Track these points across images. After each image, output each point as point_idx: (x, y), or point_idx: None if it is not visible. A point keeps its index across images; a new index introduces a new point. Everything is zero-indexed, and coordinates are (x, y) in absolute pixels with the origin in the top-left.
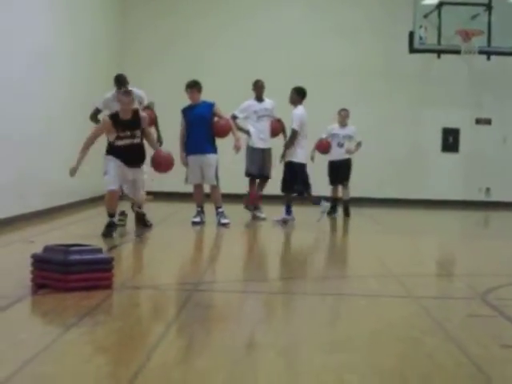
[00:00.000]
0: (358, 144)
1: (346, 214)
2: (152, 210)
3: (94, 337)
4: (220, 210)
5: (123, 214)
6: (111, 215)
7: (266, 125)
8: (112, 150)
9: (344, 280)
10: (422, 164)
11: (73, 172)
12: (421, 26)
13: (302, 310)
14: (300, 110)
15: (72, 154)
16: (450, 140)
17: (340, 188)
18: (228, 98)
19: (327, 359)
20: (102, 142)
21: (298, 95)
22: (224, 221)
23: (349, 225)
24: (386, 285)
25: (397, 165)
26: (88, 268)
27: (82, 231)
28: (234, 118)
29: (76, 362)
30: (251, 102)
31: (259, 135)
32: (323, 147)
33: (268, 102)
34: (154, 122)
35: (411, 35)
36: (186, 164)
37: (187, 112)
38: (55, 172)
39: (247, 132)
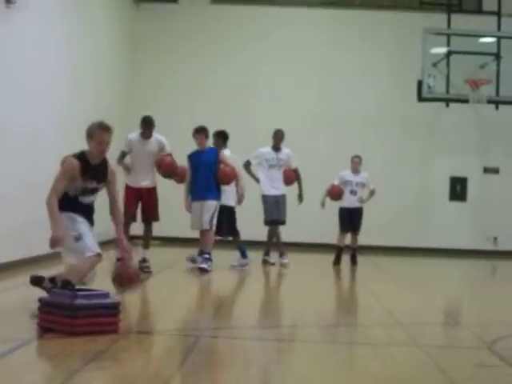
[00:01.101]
0: (372, 192)
1: (353, 262)
2: (158, 255)
3: (100, 382)
4: (206, 256)
5: (145, 260)
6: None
7: (276, 173)
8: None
9: (350, 328)
10: (429, 212)
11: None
12: (429, 75)
13: (307, 357)
14: (227, 152)
15: None
16: (458, 188)
17: (348, 235)
18: (240, 136)
19: None
20: None
21: (220, 139)
22: (203, 266)
23: (354, 273)
24: (392, 333)
25: (404, 212)
26: (95, 312)
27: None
28: (248, 163)
29: None
30: (266, 150)
31: (270, 183)
32: (336, 193)
33: (284, 153)
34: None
35: (420, 84)
36: (189, 210)
37: (193, 157)
38: None
39: (257, 180)
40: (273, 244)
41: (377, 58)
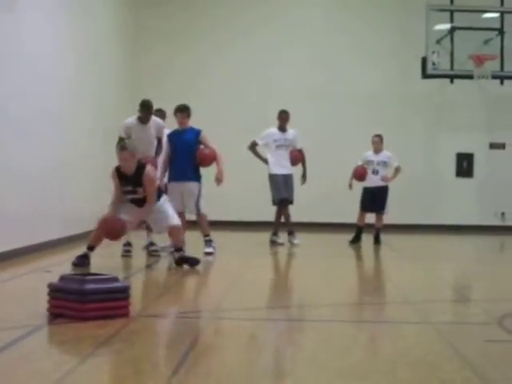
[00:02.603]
0: (397, 169)
1: (377, 241)
2: (166, 239)
3: (111, 366)
4: (207, 238)
5: (129, 244)
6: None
7: (283, 153)
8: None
9: (362, 306)
10: (436, 189)
11: None
12: (433, 52)
13: (320, 336)
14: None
15: (92, 182)
16: (465, 165)
17: (368, 216)
18: (243, 119)
19: None
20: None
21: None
22: (208, 250)
23: (364, 251)
24: (403, 311)
25: (411, 190)
26: (104, 297)
27: (98, 261)
28: (255, 144)
29: None
30: (273, 131)
31: (278, 162)
32: (360, 174)
33: (290, 133)
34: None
35: (424, 61)
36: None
37: (173, 137)
38: (72, 201)
39: (265, 160)
40: (281, 224)
41: (381, 35)
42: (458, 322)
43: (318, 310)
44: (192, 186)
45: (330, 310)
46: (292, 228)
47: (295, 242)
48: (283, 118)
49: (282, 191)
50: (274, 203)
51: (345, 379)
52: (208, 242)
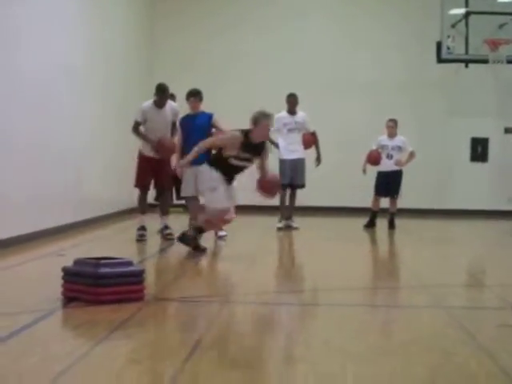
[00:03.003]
0: (411, 154)
1: (391, 226)
2: (182, 222)
3: (126, 350)
4: None
5: (143, 228)
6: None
7: (296, 137)
8: (219, 165)
9: (375, 291)
10: (450, 174)
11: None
12: (448, 36)
13: (333, 321)
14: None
15: (107, 165)
16: (479, 150)
17: (384, 200)
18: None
19: (359, 370)
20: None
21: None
22: (221, 233)
23: (379, 235)
24: (417, 295)
25: (425, 175)
26: (119, 281)
27: (113, 244)
28: None
29: (108, 375)
30: (282, 115)
31: (288, 147)
32: (374, 159)
33: (300, 116)
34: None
35: (439, 45)
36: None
37: (186, 121)
38: (86, 185)
39: (276, 145)
40: (286, 207)
41: (395, 20)
42: (472, 306)
43: (332, 294)
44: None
45: (343, 294)
46: (291, 212)
47: (294, 225)
48: (291, 101)
49: (286, 177)
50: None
51: (358, 363)
52: None
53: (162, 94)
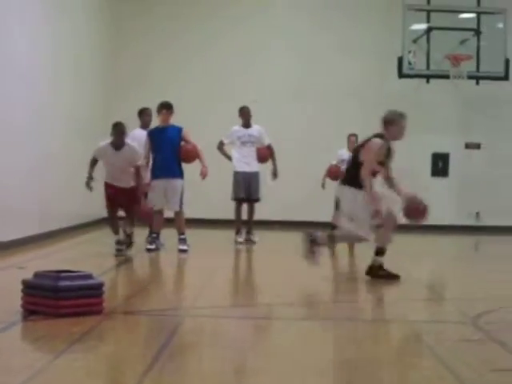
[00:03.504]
0: None
1: None
2: (141, 236)
3: (86, 363)
4: (182, 236)
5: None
6: None
7: (249, 150)
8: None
9: (336, 305)
10: (412, 189)
11: None
12: (410, 51)
13: (292, 334)
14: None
15: (71, 176)
16: (440, 164)
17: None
18: (224, 115)
19: (318, 383)
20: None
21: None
22: (183, 247)
23: (340, 250)
24: (377, 309)
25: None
26: (79, 294)
27: (74, 255)
28: (222, 143)
29: None
30: (236, 128)
31: (242, 159)
32: (333, 173)
33: (255, 129)
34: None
35: (400, 60)
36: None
37: (155, 134)
38: (48, 197)
39: (229, 158)
40: (242, 222)
41: (358, 34)
42: (433, 320)
43: (294, 308)
44: (177, 182)
45: (305, 308)
46: (251, 226)
47: (254, 239)
48: (244, 113)
49: (240, 190)
50: (232, 199)
51: (319, 376)
52: (183, 240)
53: (118, 132)
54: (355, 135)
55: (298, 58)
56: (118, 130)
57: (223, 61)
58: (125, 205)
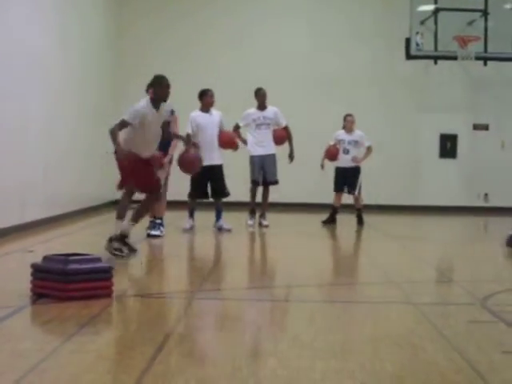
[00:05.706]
0: (368, 149)
1: (360, 222)
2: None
3: (95, 346)
4: (157, 220)
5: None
6: None
7: (265, 133)
8: None
9: (344, 287)
10: (419, 170)
11: None
12: (417, 33)
13: (302, 317)
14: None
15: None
16: (448, 146)
17: (345, 196)
18: (226, 97)
19: (327, 366)
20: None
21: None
22: (153, 232)
23: (347, 232)
24: (386, 292)
25: (394, 171)
26: (87, 277)
27: (83, 240)
28: (237, 127)
29: (77, 371)
30: (251, 111)
31: (258, 143)
32: (331, 154)
33: (270, 111)
34: None
35: (408, 42)
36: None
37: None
38: (57, 180)
39: (245, 141)
40: (256, 204)
41: (365, 16)
42: (441, 302)
43: (302, 290)
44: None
45: (311, 289)
46: (265, 209)
47: (264, 223)
48: (260, 95)
49: (255, 173)
50: (251, 182)
51: (326, 359)
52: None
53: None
54: (351, 115)
55: (307, 41)
56: (165, 84)
57: (232, 42)
58: (149, 176)
